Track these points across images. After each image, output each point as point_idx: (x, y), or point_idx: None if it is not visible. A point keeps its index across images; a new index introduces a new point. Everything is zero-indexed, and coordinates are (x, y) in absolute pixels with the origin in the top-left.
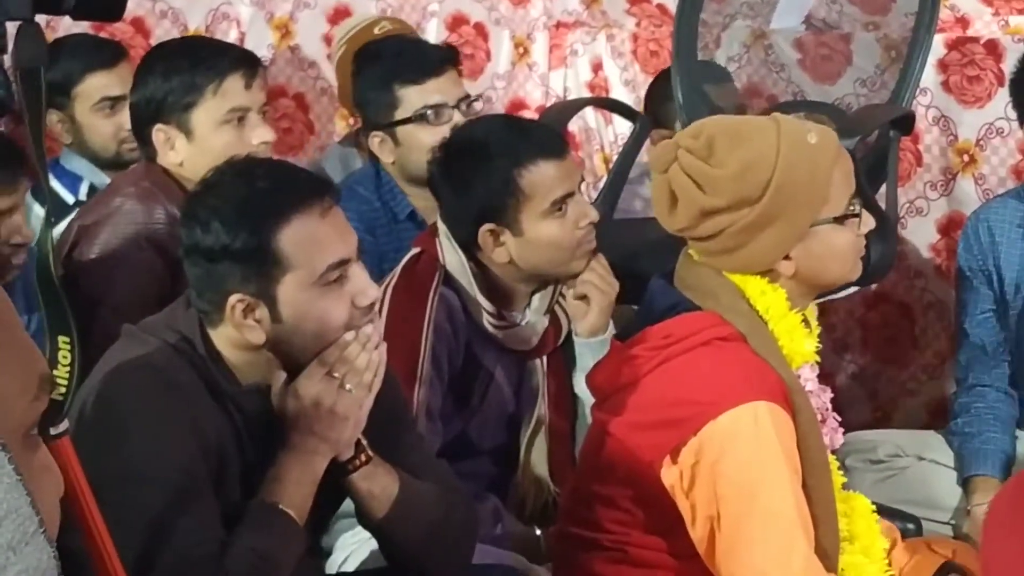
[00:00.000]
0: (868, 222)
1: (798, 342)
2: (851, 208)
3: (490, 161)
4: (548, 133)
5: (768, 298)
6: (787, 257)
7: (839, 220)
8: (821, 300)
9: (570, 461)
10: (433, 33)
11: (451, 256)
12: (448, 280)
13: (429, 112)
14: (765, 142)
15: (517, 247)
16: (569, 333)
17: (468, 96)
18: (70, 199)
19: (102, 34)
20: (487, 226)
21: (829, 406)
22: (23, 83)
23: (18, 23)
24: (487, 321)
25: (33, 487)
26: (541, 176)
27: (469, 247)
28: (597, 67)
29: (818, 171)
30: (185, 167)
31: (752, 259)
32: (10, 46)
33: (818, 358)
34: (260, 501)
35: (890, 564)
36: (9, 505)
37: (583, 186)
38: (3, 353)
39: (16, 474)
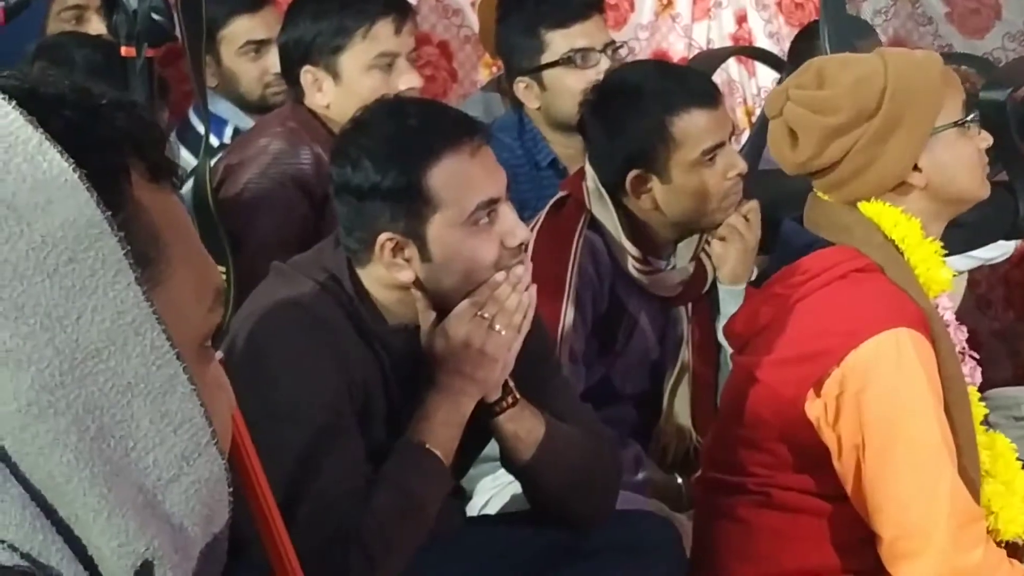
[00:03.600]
0: (987, 138)
1: (935, 270)
2: (970, 115)
3: (642, 105)
4: (703, 81)
5: (903, 228)
6: (916, 169)
7: (958, 125)
8: (972, 266)
9: (713, 410)
10: None
11: (597, 200)
12: (594, 224)
13: (576, 56)
14: (872, 61)
15: (664, 194)
16: (714, 281)
17: (613, 42)
18: (215, 142)
19: None
20: (635, 171)
21: (967, 345)
22: (184, 11)
23: None
24: (632, 266)
25: (206, 399)
26: (693, 124)
27: (616, 192)
28: (741, 19)
29: (929, 77)
30: (332, 109)
31: (884, 174)
32: None
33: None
34: (407, 440)
35: None
36: (183, 415)
37: (733, 137)
38: (181, 260)
39: (190, 384)
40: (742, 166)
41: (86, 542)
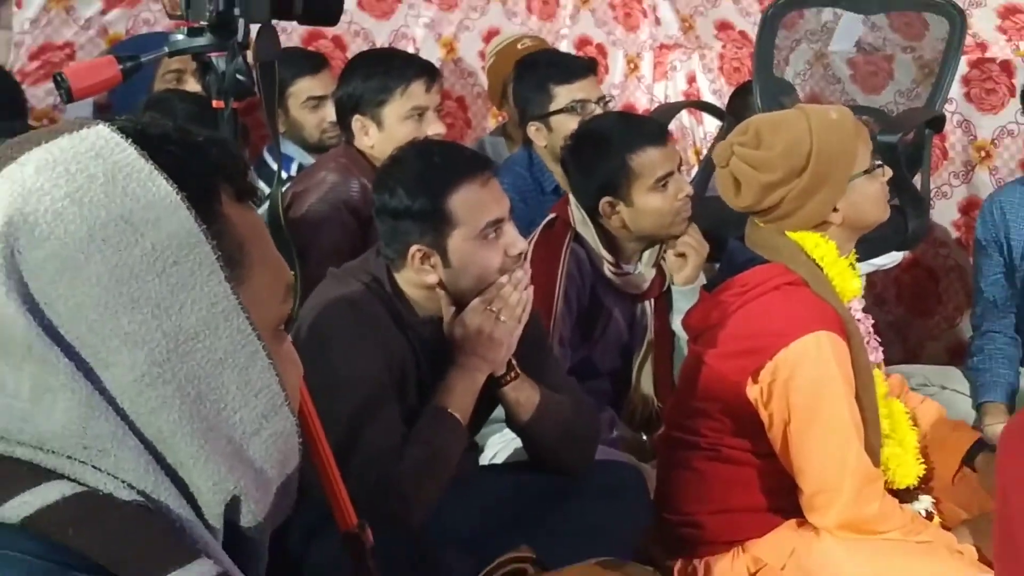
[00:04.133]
0: (887, 172)
1: (848, 281)
2: (875, 162)
3: (609, 148)
4: (654, 125)
5: (822, 249)
6: (835, 209)
7: (868, 172)
8: (870, 271)
9: (670, 383)
10: (564, 51)
11: (579, 220)
12: (577, 238)
13: (577, 105)
14: (800, 124)
15: (629, 215)
16: (670, 284)
17: (604, 96)
18: (284, 175)
19: (310, 48)
20: (606, 198)
21: (872, 330)
22: (262, 73)
23: (258, 25)
24: (607, 270)
25: (280, 370)
26: (648, 159)
27: (593, 214)
28: (691, 79)
29: (845, 136)
30: (375, 150)
31: (809, 217)
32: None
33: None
34: (433, 406)
35: (924, 460)
36: (263, 382)
37: (681, 168)
38: (260, 262)
39: (268, 359)
40: (689, 189)
41: (188, 483)
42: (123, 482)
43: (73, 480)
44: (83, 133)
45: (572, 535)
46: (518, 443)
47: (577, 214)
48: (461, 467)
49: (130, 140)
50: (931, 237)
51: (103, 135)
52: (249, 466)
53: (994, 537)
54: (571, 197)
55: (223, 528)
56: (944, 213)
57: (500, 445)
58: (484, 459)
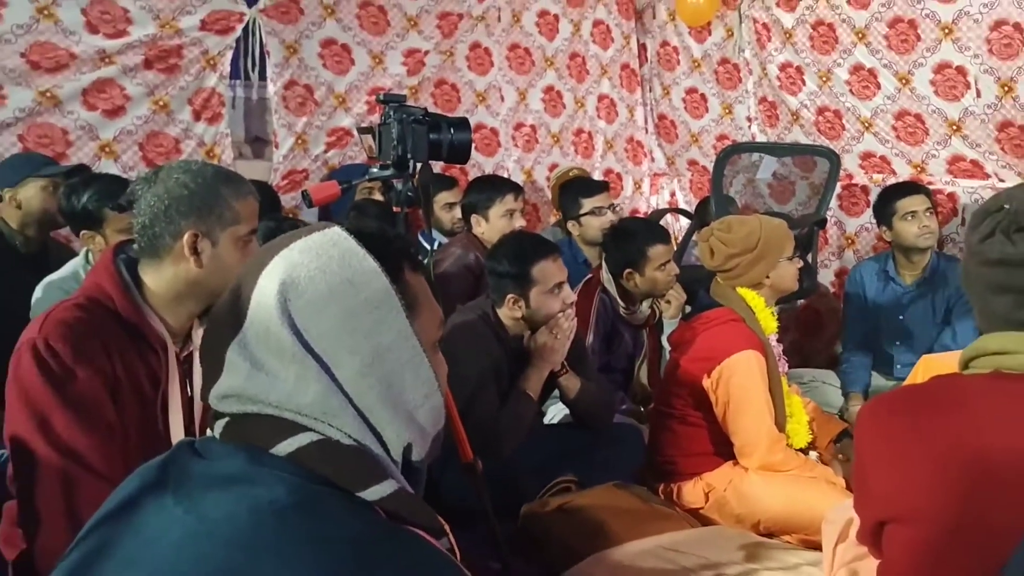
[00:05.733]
0: (799, 262)
1: (769, 322)
2: (795, 254)
3: (634, 240)
4: (662, 230)
5: (755, 301)
6: (767, 277)
7: (790, 258)
8: (780, 306)
9: (657, 377)
10: (596, 176)
11: (607, 280)
12: (604, 291)
13: (596, 210)
14: (755, 223)
15: (641, 282)
16: (660, 317)
17: (614, 204)
18: (430, 246)
19: (447, 173)
20: (628, 270)
21: (781, 352)
22: (422, 191)
23: (421, 163)
24: (622, 310)
25: (436, 369)
26: (657, 251)
27: (617, 278)
28: (672, 194)
29: (781, 235)
30: (484, 235)
31: (752, 279)
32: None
33: (776, 331)
34: (517, 388)
35: (811, 431)
36: (426, 376)
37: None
38: (426, 306)
39: (429, 363)
40: (676, 270)
41: (382, 435)
42: (345, 434)
43: (316, 432)
44: (326, 231)
45: (597, 467)
46: (566, 411)
47: (606, 276)
48: (532, 424)
49: (352, 235)
50: (818, 291)
51: (337, 232)
52: (417, 426)
53: (853, 477)
54: (604, 265)
55: (401, 463)
56: (825, 277)
57: (555, 412)
58: (546, 420)
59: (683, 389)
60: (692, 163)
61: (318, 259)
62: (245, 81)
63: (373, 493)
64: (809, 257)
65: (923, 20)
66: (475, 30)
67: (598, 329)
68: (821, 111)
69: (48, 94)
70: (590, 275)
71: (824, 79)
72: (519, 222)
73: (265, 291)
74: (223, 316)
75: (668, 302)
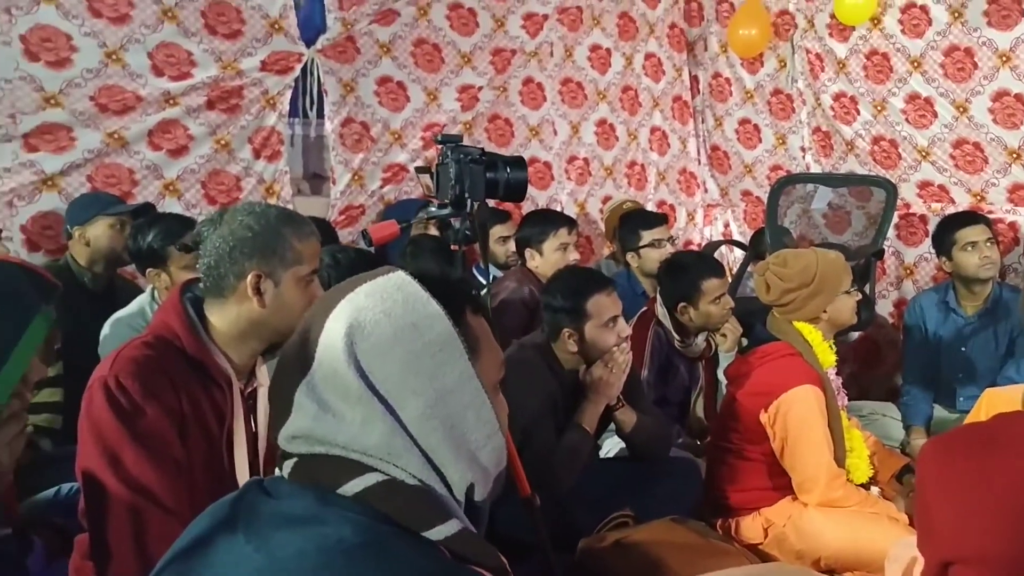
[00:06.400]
0: (857, 295)
1: (827, 356)
2: (853, 288)
3: (688, 274)
4: (716, 263)
5: (813, 335)
6: (824, 311)
7: (848, 292)
8: (838, 340)
9: (713, 411)
10: (649, 208)
11: (662, 313)
12: (659, 324)
13: (655, 242)
14: (811, 257)
15: (696, 315)
16: (716, 350)
17: (672, 236)
18: (485, 281)
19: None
20: (682, 304)
21: (840, 386)
22: (480, 229)
23: (478, 202)
24: (677, 343)
25: (497, 410)
26: (711, 285)
27: (671, 311)
28: (726, 225)
29: (838, 267)
30: (538, 269)
31: (809, 313)
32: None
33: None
34: (573, 423)
35: (872, 466)
36: (488, 418)
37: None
38: (487, 348)
39: (491, 404)
40: (731, 303)
41: (445, 475)
42: (410, 474)
43: (382, 472)
44: (390, 276)
45: (654, 501)
46: (622, 445)
47: (660, 310)
48: (588, 458)
49: (416, 279)
50: (876, 322)
51: (401, 276)
52: (479, 466)
53: (915, 513)
54: (659, 298)
55: (464, 502)
56: (883, 307)
57: (611, 446)
58: (602, 454)
59: (740, 423)
60: (746, 194)
61: (383, 303)
62: (303, 119)
63: (438, 533)
64: (867, 288)
65: (980, 48)
66: (528, 65)
67: (653, 362)
68: (876, 140)
69: (115, 135)
70: (645, 308)
71: (879, 108)
72: (573, 256)
73: (332, 334)
74: (292, 358)
75: (724, 335)
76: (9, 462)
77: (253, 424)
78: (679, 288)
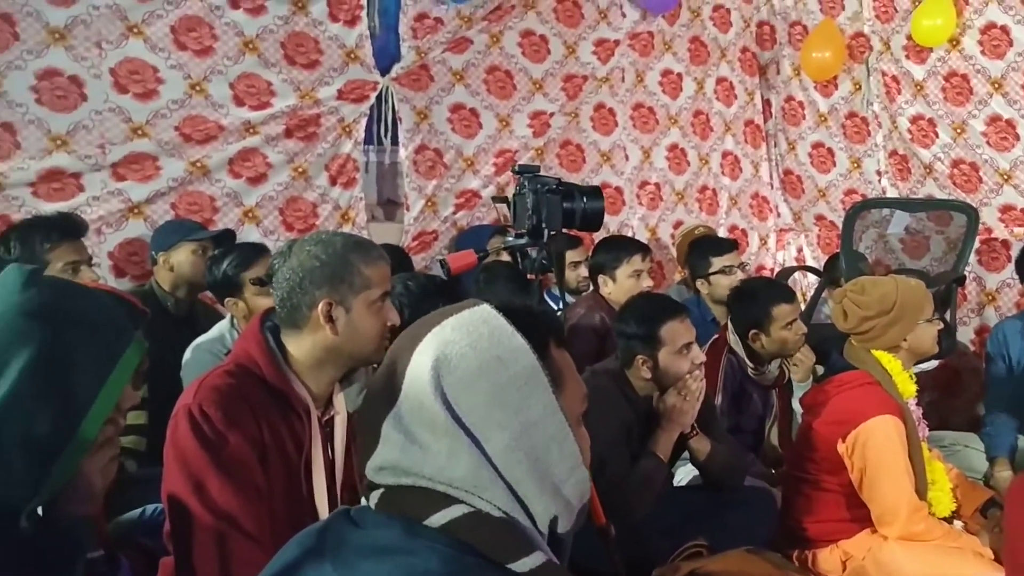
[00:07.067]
0: (939, 324)
1: (907, 386)
2: (934, 316)
3: (758, 300)
4: (786, 288)
5: (893, 364)
6: (904, 340)
7: (929, 320)
8: (918, 368)
9: (788, 439)
10: (721, 233)
11: (734, 341)
12: (731, 351)
13: (726, 268)
14: (891, 284)
15: (768, 343)
16: (789, 377)
17: (743, 262)
18: (556, 306)
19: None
20: (753, 331)
21: (921, 416)
22: (556, 259)
23: (554, 231)
24: (750, 371)
25: (580, 443)
26: (782, 311)
27: (743, 338)
28: (799, 250)
29: (919, 295)
30: (610, 295)
31: (888, 342)
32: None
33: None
34: (647, 450)
35: (955, 499)
36: (570, 450)
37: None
38: (571, 380)
39: (574, 437)
40: (804, 329)
41: (529, 508)
42: (495, 506)
43: (468, 504)
44: (475, 308)
45: (728, 531)
46: (695, 473)
47: (732, 337)
48: (662, 487)
49: (500, 312)
50: (957, 351)
51: (486, 310)
52: (563, 499)
53: (1004, 550)
54: (730, 326)
55: (547, 534)
56: (964, 335)
57: (685, 474)
58: (676, 482)
59: (816, 453)
60: (819, 218)
61: (469, 336)
62: (378, 146)
63: (523, 565)
64: (947, 315)
65: None
66: (599, 91)
67: (726, 391)
68: (956, 164)
69: (198, 164)
70: (716, 336)
71: (959, 131)
72: (646, 282)
73: (419, 367)
74: (379, 390)
75: (796, 365)
76: (103, 486)
77: (330, 452)
78: (749, 315)
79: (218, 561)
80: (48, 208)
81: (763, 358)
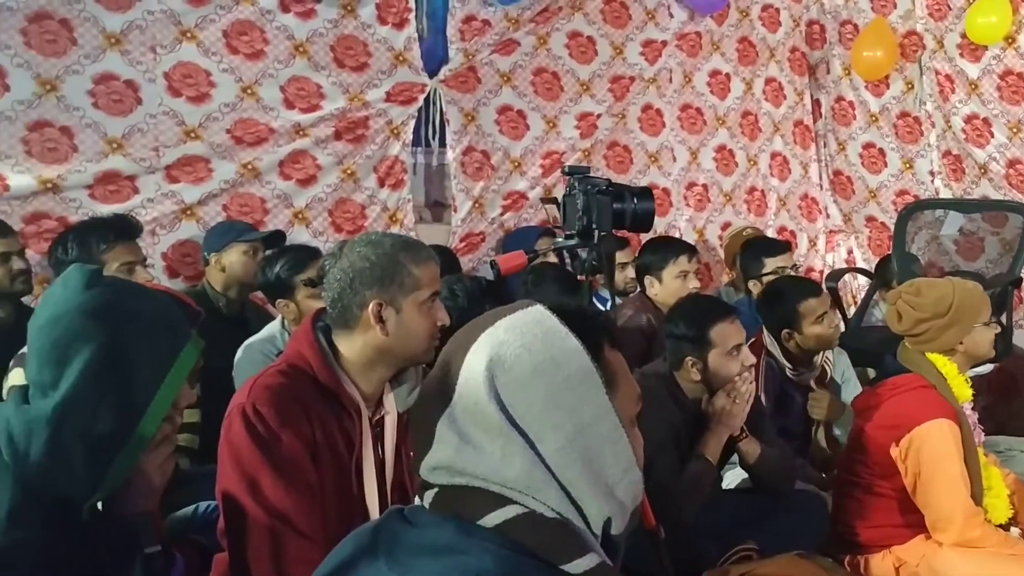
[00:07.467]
0: (995, 327)
1: (963, 390)
2: (991, 319)
3: (783, 299)
4: (811, 283)
5: (948, 368)
6: (960, 343)
7: (986, 324)
8: (973, 372)
9: (835, 441)
10: (770, 234)
11: (769, 342)
12: (769, 353)
13: (779, 269)
14: (947, 287)
15: (800, 339)
16: (831, 375)
17: (796, 264)
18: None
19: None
20: (785, 331)
21: (977, 422)
22: (607, 260)
23: (604, 232)
24: (788, 372)
25: (633, 445)
26: (808, 307)
27: (777, 338)
28: (849, 252)
29: (976, 298)
30: (657, 297)
31: (943, 345)
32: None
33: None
34: (696, 453)
35: (1012, 505)
36: (623, 451)
37: (834, 311)
38: (624, 382)
39: (627, 438)
40: (835, 322)
41: (583, 509)
42: (549, 507)
43: (521, 505)
44: (528, 309)
45: (779, 535)
46: (744, 476)
47: (767, 338)
48: (711, 490)
49: (554, 313)
50: (1013, 354)
51: (540, 311)
52: (616, 501)
53: None
54: (764, 329)
55: (600, 535)
56: (1021, 338)
57: (734, 477)
58: (724, 485)
59: (869, 457)
60: (870, 219)
61: (523, 337)
62: (426, 148)
63: (577, 566)
64: (1003, 318)
65: None
66: (647, 92)
67: (768, 394)
68: (1012, 164)
69: (249, 166)
70: (752, 339)
71: (1015, 130)
72: (693, 283)
73: (473, 368)
74: (433, 391)
75: (812, 406)
76: (161, 482)
77: (380, 451)
78: (779, 315)
79: (272, 558)
80: (104, 210)
81: (800, 357)
